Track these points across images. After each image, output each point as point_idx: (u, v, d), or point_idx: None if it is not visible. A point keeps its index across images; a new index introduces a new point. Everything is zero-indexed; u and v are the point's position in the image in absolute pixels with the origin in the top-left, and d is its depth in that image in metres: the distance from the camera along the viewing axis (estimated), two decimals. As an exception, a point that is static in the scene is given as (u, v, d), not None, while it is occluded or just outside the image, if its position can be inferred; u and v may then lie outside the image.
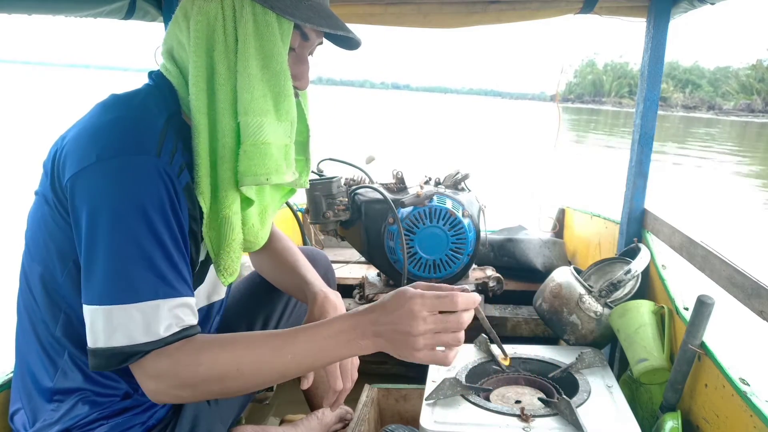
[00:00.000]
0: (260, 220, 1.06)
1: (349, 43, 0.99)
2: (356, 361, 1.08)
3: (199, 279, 0.99)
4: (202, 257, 0.97)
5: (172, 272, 0.81)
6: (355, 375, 1.07)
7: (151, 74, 0.94)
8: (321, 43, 0.98)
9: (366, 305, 0.85)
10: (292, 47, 0.92)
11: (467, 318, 0.81)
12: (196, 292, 0.98)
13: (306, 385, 1.03)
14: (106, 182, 0.78)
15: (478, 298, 0.83)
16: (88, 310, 0.78)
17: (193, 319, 0.83)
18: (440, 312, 0.80)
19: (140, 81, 0.95)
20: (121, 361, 0.78)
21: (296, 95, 0.94)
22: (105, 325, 0.77)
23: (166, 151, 0.82)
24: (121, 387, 0.92)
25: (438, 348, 0.81)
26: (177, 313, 0.80)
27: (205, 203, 0.89)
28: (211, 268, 1.00)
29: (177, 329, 0.80)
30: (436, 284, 0.84)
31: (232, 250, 0.95)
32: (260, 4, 0.85)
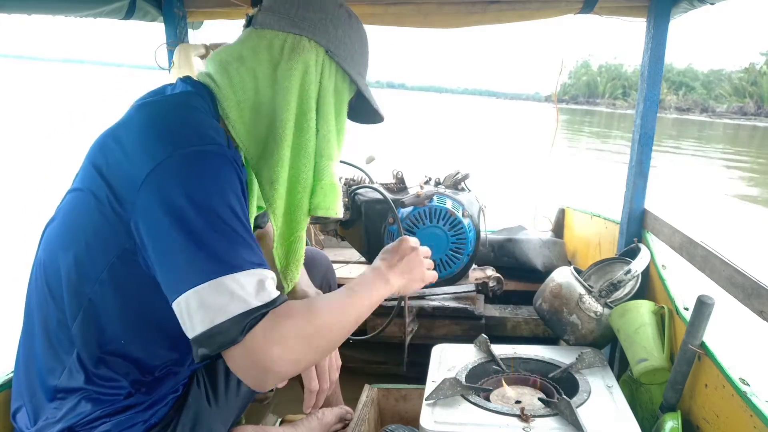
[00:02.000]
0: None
1: (374, 118, 1.18)
2: (337, 362, 1.12)
3: None
4: None
5: (257, 249, 0.84)
6: (335, 376, 1.11)
7: (187, 80, 0.98)
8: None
9: (378, 258, 1.09)
10: None
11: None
12: None
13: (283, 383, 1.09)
14: (187, 172, 0.80)
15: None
16: (192, 294, 0.76)
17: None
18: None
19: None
20: (242, 329, 0.76)
21: None
22: (217, 299, 0.75)
23: (231, 144, 0.91)
24: (124, 386, 0.92)
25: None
26: (272, 281, 0.83)
27: (276, 224, 1.03)
28: None
29: (278, 293, 0.82)
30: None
31: (300, 263, 1.12)
32: (342, 72, 1.03)
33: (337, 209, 1.08)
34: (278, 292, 0.82)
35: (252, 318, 0.77)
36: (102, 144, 0.89)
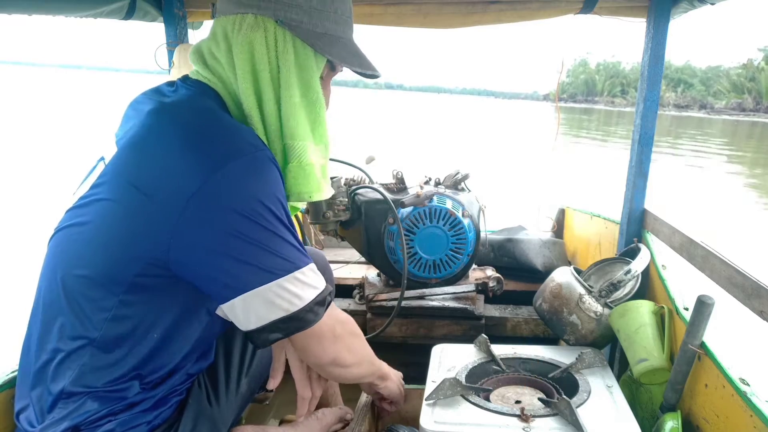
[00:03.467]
0: None
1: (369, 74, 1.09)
2: None
3: None
4: None
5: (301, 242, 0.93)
6: (324, 382, 1.11)
7: (186, 81, 0.97)
8: (341, 70, 1.06)
9: None
10: (321, 76, 1.00)
11: None
12: None
13: (273, 385, 1.15)
14: (244, 179, 0.84)
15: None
16: (270, 287, 0.86)
17: None
18: None
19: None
20: (320, 301, 0.91)
21: None
22: (296, 288, 0.88)
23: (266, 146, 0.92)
24: (133, 386, 0.92)
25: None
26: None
27: None
28: None
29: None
30: None
31: None
32: (301, 39, 0.94)
33: (312, 192, 1.00)
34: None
35: (322, 300, 0.91)
36: (131, 155, 0.89)
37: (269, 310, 0.87)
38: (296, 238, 0.90)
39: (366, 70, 1.01)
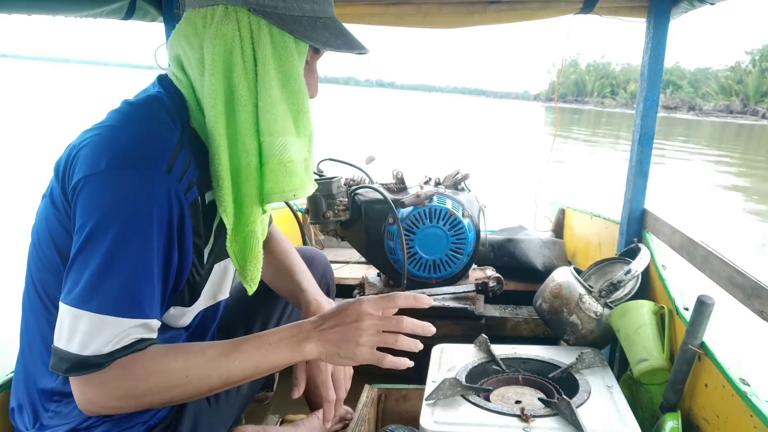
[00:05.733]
0: (261, 228, 1.08)
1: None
2: (350, 371, 1.08)
3: (203, 281, 0.99)
4: (205, 268, 0.98)
5: (148, 294, 0.81)
6: (348, 384, 1.08)
7: (162, 80, 0.93)
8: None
9: (317, 315, 0.94)
10: (307, 60, 0.93)
11: (408, 322, 0.92)
12: (202, 293, 1.00)
13: (297, 394, 1.01)
14: (112, 192, 0.78)
15: (426, 300, 0.94)
16: (64, 309, 0.78)
17: (150, 335, 0.83)
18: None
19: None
20: (68, 369, 0.77)
21: None
22: (69, 327, 0.77)
23: (177, 167, 0.83)
24: None
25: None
26: (135, 330, 0.80)
27: (228, 221, 0.91)
28: (214, 269, 1.01)
29: (127, 343, 0.79)
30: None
31: (258, 261, 0.99)
32: (277, 26, 0.86)
33: (296, 190, 0.92)
34: (128, 341, 0.79)
35: (84, 364, 0.77)
36: (67, 148, 0.88)
37: (57, 336, 0.79)
38: (131, 281, 0.79)
39: (352, 50, 0.92)
